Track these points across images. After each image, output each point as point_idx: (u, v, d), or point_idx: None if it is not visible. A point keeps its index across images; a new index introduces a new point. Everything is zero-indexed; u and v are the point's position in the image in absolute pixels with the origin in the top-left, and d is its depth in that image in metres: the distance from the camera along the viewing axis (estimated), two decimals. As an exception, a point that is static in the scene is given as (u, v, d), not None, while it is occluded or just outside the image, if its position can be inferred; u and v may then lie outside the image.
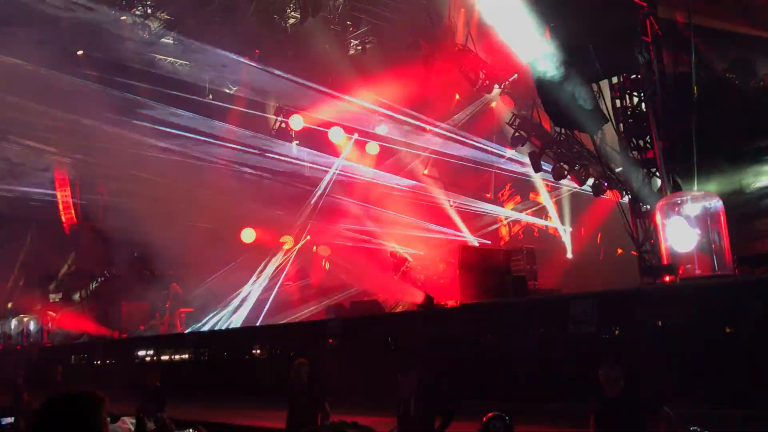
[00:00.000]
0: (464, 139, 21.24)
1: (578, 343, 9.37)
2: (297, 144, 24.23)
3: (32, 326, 22.43)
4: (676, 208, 11.29)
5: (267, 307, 20.28)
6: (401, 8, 20.38)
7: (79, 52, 20.99)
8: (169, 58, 22.98)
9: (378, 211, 22.37)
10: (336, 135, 22.77)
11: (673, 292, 9.99)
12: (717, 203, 10.93)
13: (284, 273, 21.30)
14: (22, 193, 21.95)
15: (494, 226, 22.36)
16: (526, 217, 21.49)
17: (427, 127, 21.92)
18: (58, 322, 21.83)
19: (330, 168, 22.92)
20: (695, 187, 11.41)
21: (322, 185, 22.76)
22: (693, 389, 7.86)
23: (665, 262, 11.36)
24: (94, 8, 20.38)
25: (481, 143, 21.59)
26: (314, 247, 22.44)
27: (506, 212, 21.98)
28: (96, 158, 20.76)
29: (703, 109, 11.41)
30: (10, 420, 5.67)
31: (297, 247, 21.86)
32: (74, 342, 20.57)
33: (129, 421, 3.86)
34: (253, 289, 20.86)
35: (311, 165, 23.08)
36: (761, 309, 8.04)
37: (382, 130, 23.00)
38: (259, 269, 21.39)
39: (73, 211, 23.68)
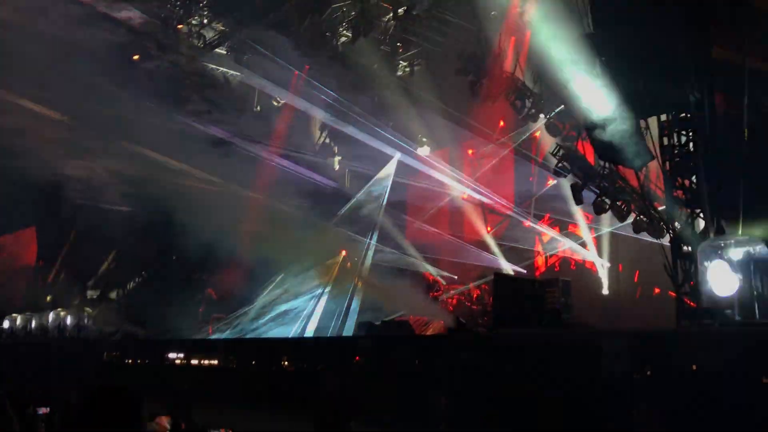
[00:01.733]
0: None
1: (609, 381, 9.23)
2: (340, 159, 24.45)
3: (69, 321, 22.85)
4: (719, 251, 11.08)
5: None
6: (452, 33, 20.51)
7: (135, 57, 21.55)
8: (221, 68, 23.51)
9: (415, 230, 22.42)
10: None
11: (711, 337, 9.79)
12: (762, 249, 10.70)
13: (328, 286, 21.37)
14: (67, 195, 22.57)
15: (529, 261, 22.17)
16: (567, 241, 21.13)
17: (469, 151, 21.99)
18: (94, 318, 22.20)
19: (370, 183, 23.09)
20: (740, 232, 11.20)
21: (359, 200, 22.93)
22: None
23: (704, 305, 11.14)
24: (151, 18, 21.00)
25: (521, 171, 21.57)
26: (347, 263, 22.53)
27: (549, 232, 21.61)
28: (144, 160, 21.21)
29: (752, 153, 11.23)
30: (46, 410, 5.81)
31: (338, 261, 21.95)
32: (108, 339, 20.90)
33: (166, 420, 3.94)
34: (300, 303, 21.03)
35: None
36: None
37: (424, 151, 23.09)
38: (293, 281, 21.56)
39: None
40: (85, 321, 22.71)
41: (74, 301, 23.81)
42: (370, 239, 21.60)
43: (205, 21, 21.83)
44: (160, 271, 23.28)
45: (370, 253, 21.54)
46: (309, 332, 20.04)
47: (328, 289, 21.14)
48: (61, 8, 17.78)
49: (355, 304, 20.30)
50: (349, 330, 19.32)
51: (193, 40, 22.04)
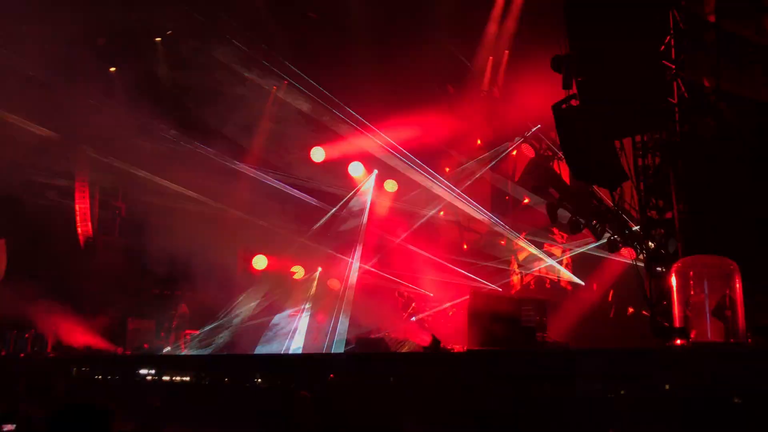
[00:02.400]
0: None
1: (584, 400, 9.25)
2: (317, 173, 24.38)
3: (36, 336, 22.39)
4: (692, 272, 11.20)
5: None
6: (430, 51, 20.67)
7: (112, 69, 21.38)
8: (199, 81, 23.40)
9: (390, 247, 22.38)
10: (356, 170, 22.92)
11: (684, 357, 9.87)
12: (733, 270, 10.84)
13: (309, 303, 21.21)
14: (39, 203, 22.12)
15: (504, 280, 22.23)
16: (544, 257, 21.23)
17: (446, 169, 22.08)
18: (64, 334, 21.75)
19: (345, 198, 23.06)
20: (712, 252, 11.33)
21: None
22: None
23: (677, 325, 11.24)
24: (130, 30, 20.89)
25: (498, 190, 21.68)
26: (324, 280, 22.40)
27: (528, 247, 21.65)
28: (117, 172, 20.96)
29: (725, 174, 11.40)
30: (11, 427, 5.65)
31: (315, 277, 21.82)
32: (77, 355, 20.50)
33: (137, 440, 3.85)
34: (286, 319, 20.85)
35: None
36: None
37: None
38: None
39: (89, 223, 23.69)
40: (53, 335, 22.25)
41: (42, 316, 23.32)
42: (353, 258, 21.50)
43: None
44: (131, 285, 22.92)
45: (354, 270, 21.43)
46: (294, 350, 19.88)
47: (308, 306, 21.00)
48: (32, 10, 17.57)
49: (341, 322, 20.19)
50: (337, 348, 19.20)
51: (171, 53, 21.97)
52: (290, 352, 19.66)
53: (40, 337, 22.55)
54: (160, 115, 21.15)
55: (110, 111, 19.65)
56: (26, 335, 22.70)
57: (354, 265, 21.45)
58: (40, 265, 23.17)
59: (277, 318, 21.03)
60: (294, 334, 20.43)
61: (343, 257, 21.63)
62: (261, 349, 20.02)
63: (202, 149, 21.52)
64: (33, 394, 12.89)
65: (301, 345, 20.13)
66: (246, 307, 21.40)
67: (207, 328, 21.16)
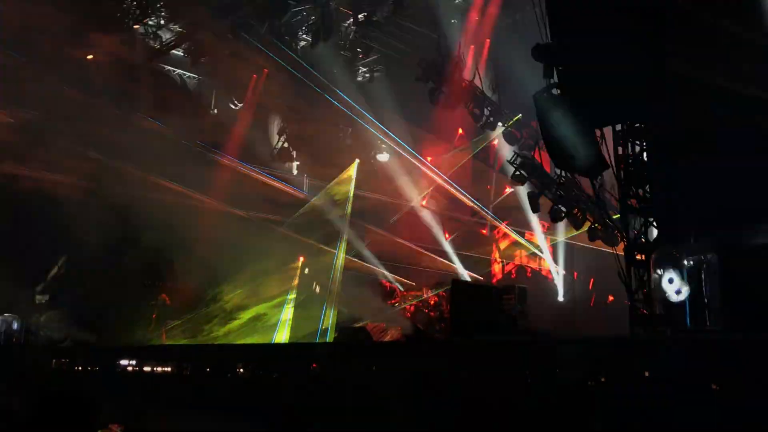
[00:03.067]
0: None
1: (564, 388, 9.32)
2: (298, 164, 24.31)
3: (15, 326, 22.14)
4: (672, 260, 11.30)
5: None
6: (412, 40, 20.63)
7: (89, 57, 21.07)
8: (178, 70, 23.20)
9: (372, 236, 22.39)
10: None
11: (663, 344, 9.96)
12: (713, 258, 10.94)
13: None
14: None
15: (486, 269, 22.31)
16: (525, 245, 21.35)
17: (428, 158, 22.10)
18: (43, 324, 21.56)
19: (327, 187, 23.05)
20: (692, 240, 11.43)
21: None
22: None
23: (657, 313, 11.34)
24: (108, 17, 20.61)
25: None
26: (305, 269, 22.37)
27: (511, 233, 21.71)
28: (95, 164, 20.70)
29: (704, 163, 11.48)
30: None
31: (298, 267, 21.78)
32: (57, 346, 20.32)
33: (117, 429, 3.82)
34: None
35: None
36: (750, 369, 8.02)
37: (383, 158, 23.12)
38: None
39: None
40: (33, 327, 22.04)
41: (22, 306, 23.08)
42: (339, 249, 21.46)
43: (162, 22, 21.55)
44: (112, 276, 22.72)
45: (340, 261, 21.40)
46: (277, 340, 19.87)
47: (293, 296, 20.97)
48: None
49: (330, 312, 20.20)
50: (321, 337, 19.21)
51: (149, 41, 21.72)
52: (273, 341, 19.65)
53: (21, 328, 22.33)
54: (139, 104, 20.93)
55: (87, 99, 19.37)
56: (3, 326, 22.47)
57: (340, 256, 21.45)
58: (18, 256, 22.93)
59: (260, 308, 20.98)
60: (278, 324, 20.42)
61: (319, 245, 21.62)
62: (250, 340, 20.00)
63: (183, 139, 21.31)
64: (11, 386, 12.75)
65: (285, 335, 20.13)
66: (231, 299, 21.34)
67: (188, 317, 21.09)
